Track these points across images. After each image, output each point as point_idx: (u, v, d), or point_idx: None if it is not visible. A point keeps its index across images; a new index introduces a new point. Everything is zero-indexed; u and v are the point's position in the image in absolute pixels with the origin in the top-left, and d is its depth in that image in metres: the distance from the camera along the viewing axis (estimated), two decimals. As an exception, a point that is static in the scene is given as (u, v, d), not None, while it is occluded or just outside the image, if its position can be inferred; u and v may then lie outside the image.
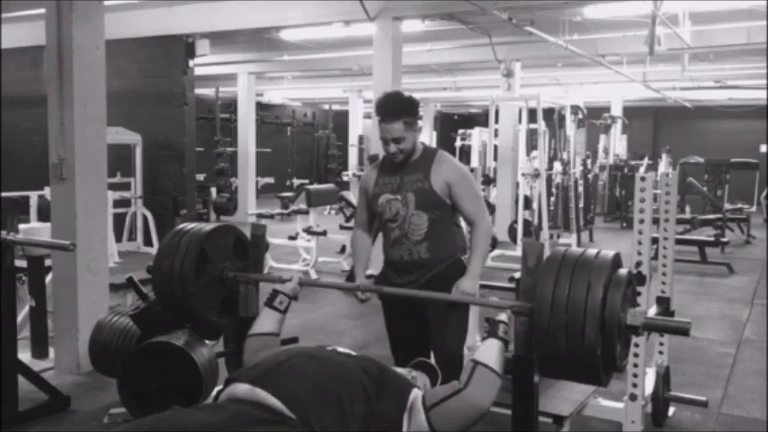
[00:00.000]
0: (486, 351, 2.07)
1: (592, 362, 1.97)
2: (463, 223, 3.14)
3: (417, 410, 1.91)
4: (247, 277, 2.74)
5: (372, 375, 1.91)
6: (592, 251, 2.10)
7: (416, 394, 1.96)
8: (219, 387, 1.88)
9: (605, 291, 1.96)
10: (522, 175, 9.39)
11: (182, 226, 2.83)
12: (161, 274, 2.71)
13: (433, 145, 3.32)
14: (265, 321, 2.36)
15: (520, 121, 10.32)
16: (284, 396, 1.71)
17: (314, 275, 7.76)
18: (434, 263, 2.95)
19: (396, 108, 2.90)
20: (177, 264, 2.66)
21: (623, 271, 2.08)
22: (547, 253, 2.12)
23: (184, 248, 2.68)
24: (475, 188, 3.05)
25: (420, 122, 3.00)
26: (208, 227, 2.81)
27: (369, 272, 3.11)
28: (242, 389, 1.77)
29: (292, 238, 8.47)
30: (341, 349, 2.12)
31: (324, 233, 8.00)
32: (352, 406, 1.76)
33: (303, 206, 8.69)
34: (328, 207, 13.26)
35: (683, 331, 2.10)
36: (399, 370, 2.20)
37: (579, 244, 9.78)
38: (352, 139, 16.90)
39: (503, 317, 2.19)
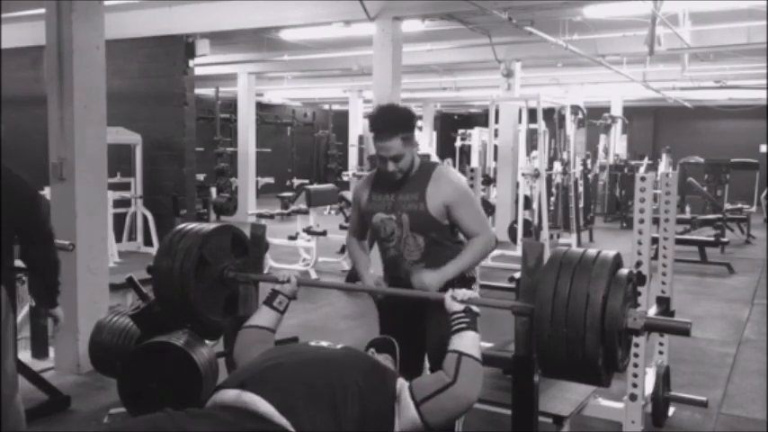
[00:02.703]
0: (464, 341, 2.06)
1: (593, 367, 1.96)
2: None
3: (406, 402, 1.90)
4: (247, 277, 2.74)
5: (363, 370, 1.90)
6: (592, 252, 2.08)
7: (402, 384, 1.97)
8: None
9: (605, 299, 1.95)
10: (522, 175, 9.39)
11: (181, 226, 2.82)
12: (161, 275, 2.71)
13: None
14: (262, 317, 2.36)
15: (520, 121, 10.32)
16: (277, 401, 1.67)
17: (314, 275, 7.76)
18: None
19: (392, 124, 2.69)
20: (177, 264, 2.65)
21: (624, 271, 2.07)
22: (547, 253, 2.11)
23: (184, 249, 2.67)
24: (475, 205, 2.87)
25: (416, 135, 2.89)
26: (208, 227, 2.81)
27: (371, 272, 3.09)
28: (230, 394, 1.72)
29: (292, 238, 8.47)
30: (324, 343, 2.09)
31: (324, 233, 8.00)
32: (346, 409, 1.73)
33: (303, 206, 8.70)
34: (328, 207, 13.24)
35: (683, 331, 2.09)
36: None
37: (579, 244, 9.78)
38: (352, 139, 16.89)
39: (458, 306, 2.17)
